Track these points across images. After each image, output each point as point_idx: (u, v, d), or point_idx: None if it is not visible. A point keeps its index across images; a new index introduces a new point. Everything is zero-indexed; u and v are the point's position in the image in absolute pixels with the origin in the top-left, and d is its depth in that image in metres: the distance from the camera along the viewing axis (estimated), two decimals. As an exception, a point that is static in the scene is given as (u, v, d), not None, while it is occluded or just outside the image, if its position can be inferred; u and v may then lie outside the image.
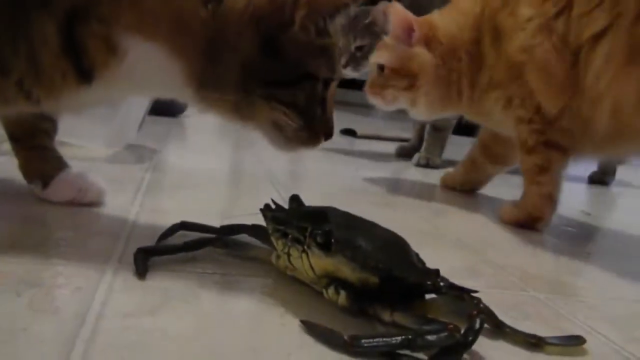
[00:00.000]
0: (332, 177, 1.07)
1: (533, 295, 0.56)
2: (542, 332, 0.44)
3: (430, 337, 0.37)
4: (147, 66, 0.49)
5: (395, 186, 1.01)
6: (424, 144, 1.33)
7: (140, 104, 0.96)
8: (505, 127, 0.90)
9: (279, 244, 0.46)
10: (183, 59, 0.48)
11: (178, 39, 0.47)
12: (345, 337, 0.38)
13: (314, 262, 0.43)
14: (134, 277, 0.46)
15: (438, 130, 1.32)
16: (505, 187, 1.09)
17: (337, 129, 1.75)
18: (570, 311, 0.52)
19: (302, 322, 0.41)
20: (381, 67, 0.95)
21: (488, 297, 0.43)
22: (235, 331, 0.40)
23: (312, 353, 0.38)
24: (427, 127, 1.33)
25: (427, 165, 1.30)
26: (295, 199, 0.53)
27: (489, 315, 0.43)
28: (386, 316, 0.42)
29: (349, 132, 1.67)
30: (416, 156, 1.32)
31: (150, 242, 0.52)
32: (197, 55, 0.48)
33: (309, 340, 0.39)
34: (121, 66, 0.48)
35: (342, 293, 0.43)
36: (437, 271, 0.44)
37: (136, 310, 0.40)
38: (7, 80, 0.47)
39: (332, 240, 0.42)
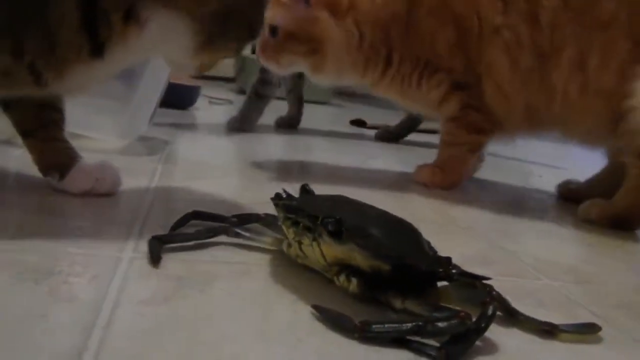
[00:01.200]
0: (341, 167, 1.07)
1: (547, 282, 0.56)
2: (556, 319, 0.44)
3: (440, 324, 0.37)
4: (163, 34, 0.50)
5: (405, 175, 1.00)
6: (241, 108, 1.29)
7: (151, 96, 0.96)
8: (423, 105, 0.94)
9: (290, 232, 0.46)
10: (197, 25, 0.50)
11: (197, 7, 0.49)
12: (356, 322, 0.38)
13: (325, 250, 0.44)
14: (149, 266, 0.46)
15: (260, 97, 1.28)
16: (505, 173, 1.08)
17: (346, 120, 1.76)
18: (584, 298, 0.52)
19: (313, 306, 0.41)
20: (274, 29, 0.86)
21: (501, 285, 0.43)
22: (246, 318, 0.40)
23: (322, 339, 0.38)
24: (249, 92, 1.29)
25: (240, 129, 1.26)
26: (305, 188, 0.53)
27: (501, 302, 0.43)
28: (398, 304, 0.42)
29: (358, 123, 1.67)
30: (231, 120, 1.29)
31: (163, 231, 0.52)
32: (209, 20, 0.50)
33: (319, 327, 0.40)
34: (139, 36, 0.49)
35: (354, 280, 0.43)
36: (448, 259, 0.44)
37: (151, 297, 0.41)
38: (20, 62, 0.48)
39: (343, 228, 0.42)
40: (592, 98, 0.80)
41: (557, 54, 0.81)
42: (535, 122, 0.89)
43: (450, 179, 0.93)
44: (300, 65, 0.90)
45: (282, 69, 0.91)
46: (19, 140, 0.65)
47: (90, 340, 0.34)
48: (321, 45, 0.86)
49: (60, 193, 0.63)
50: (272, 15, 0.85)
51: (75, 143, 0.67)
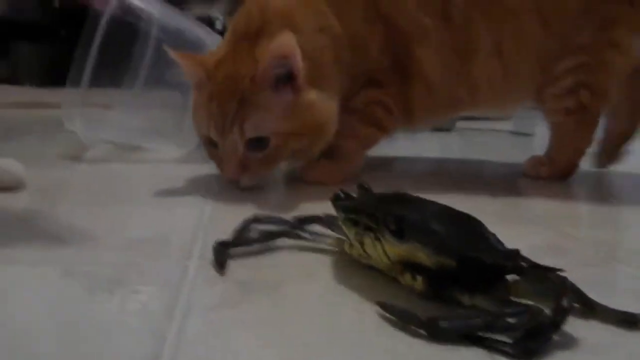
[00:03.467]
0: (392, 162, 1.06)
1: (623, 269, 0.53)
2: (636, 308, 0.41)
3: (511, 320, 0.36)
4: None
5: (460, 166, 0.98)
6: None
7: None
8: None
9: (351, 233, 0.46)
10: None
11: None
12: (423, 319, 0.37)
13: (387, 249, 0.43)
14: (215, 272, 0.47)
15: None
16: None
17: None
18: (665, 286, 0.49)
19: (378, 303, 0.41)
20: (259, 141, 0.72)
21: (574, 275, 0.41)
22: (313, 319, 0.40)
23: (391, 339, 0.37)
24: None
25: None
26: (363, 187, 0.52)
27: (576, 293, 0.41)
28: (466, 300, 0.41)
29: None
30: None
31: (226, 237, 0.53)
32: None
33: (387, 326, 0.39)
34: None
35: (419, 278, 0.42)
36: (517, 251, 0.42)
37: (219, 303, 0.42)
38: None
39: (405, 226, 0.41)
40: (514, 80, 0.87)
41: (475, 48, 0.84)
42: (455, 112, 0.97)
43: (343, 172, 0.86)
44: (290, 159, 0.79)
45: (266, 176, 0.78)
46: (84, 154, 0.68)
47: (165, 346, 0.35)
48: (325, 125, 0.75)
49: (124, 205, 0.66)
50: (253, 126, 0.70)
51: (136, 155, 0.69)
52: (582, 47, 0.85)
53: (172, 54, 0.75)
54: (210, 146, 0.75)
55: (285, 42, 0.67)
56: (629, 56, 0.86)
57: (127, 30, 0.99)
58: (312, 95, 0.72)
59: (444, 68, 0.84)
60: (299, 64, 0.69)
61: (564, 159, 0.92)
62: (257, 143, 0.71)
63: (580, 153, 0.92)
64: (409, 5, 0.82)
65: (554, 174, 0.91)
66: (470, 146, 1.34)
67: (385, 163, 1.04)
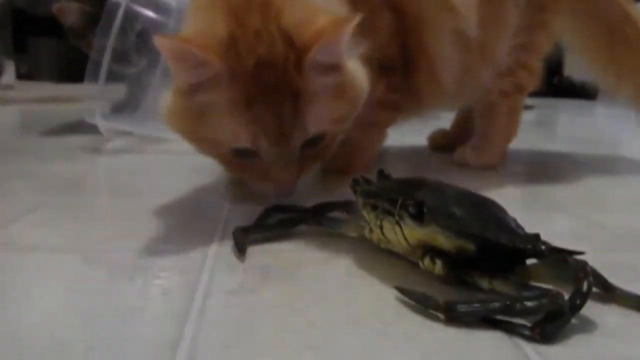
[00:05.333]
0: (409, 151, 1.06)
1: (645, 256, 0.52)
2: (658, 293, 0.41)
3: (530, 303, 0.36)
4: None
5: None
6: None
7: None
8: None
9: (370, 218, 0.46)
10: None
11: None
12: (441, 302, 0.37)
13: (407, 233, 0.43)
14: (234, 258, 0.48)
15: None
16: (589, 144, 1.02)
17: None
18: (689, 271, 0.49)
19: (397, 288, 0.41)
20: (315, 140, 0.60)
21: (595, 260, 0.41)
22: (333, 304, 0.40)
23: (410, 322, 0.38)
24: None
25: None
26: (382, 173, 0.53)
27: (597, 277, 0.41)
28: (485, 284, 0.41)
29: None
30: None
31: (245, 224, 0.54)
32: None
33: (406, 310, 0.39)
34: None
35: (438, 262, 0.42)
36: (537, 235, 0.42)
37: (239, 288, 0.42)
38: None
39: (425, 210, 0.41)
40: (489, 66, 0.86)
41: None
42: (463, 100, 0.93)
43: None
44: None
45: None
46: (104, 146, 0.69)
47: (186, 330, 0.36)
48: (364, 93, 0.64)
49: (147, 195, 0.66)
50: (315, 122, 0.57)
51: (156, 147, 0.70)
52: (521, 28, 0.86)
53: (159, 40, 0.51)
54: (241, 159, 0.58)
55: (337, 28, 0.55)
56: (553, 37, 0.89)
57: (145, 22, 1.01)
58: (350, 65, 0.60)
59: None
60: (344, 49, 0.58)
61: (498, 146, 0.91)
62: (313, 139, 0.59)
63: (510, 139, 0.92)
64: None
65: (489, 162, 0.90)
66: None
67: (402, 152, 1.04)
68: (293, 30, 0.55)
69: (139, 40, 1.06)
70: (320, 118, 0.57)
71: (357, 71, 0.61)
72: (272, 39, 0.54)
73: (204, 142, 0.59)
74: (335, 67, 0.58)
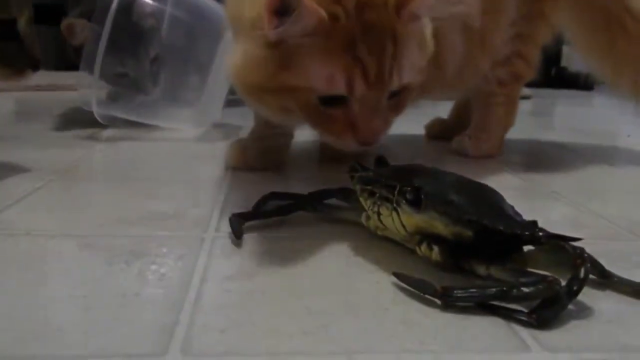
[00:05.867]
0: (407, 139, 1.05)
1: (642, 244, 0.52)
2: (654, 280, 0.41)
3: (526, 289, 0.36)
4: None
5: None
6: None
7: (222, 85, 0.99)
8: None
9: (367, 204, 0.46)
10: None
11: None
12: (438, 288, 0.37)
13: (404, 220, 0.43)
14: (231, 244, 0.48)
15: None
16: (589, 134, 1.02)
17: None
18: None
19: (394, 273, 0.41)
20: (399, 90, 0.58)
21: (592, 248, 0.41)
22: (330, 290, 0.40)
23: (407, 308, 0.38)
24: None
25: None
26: (381, 160, 0.52)
27: (593, 264, 0.41)
28: (482, 270, 0.41)
29: None
30: None
31: (243, 210, 0.54)
32: None
33: (403, 297, 0.39)
34: None
35: (436, 249, 0.42)
36: (534, 222, 0.42)
37: (236, 273, 0.42)
38: None
39: (422, 196, 0.41)
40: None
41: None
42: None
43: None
44: None
45: None
46: (101, 134, 0.69)
47: (182, 315, 0.36)
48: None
49: (142, 181, 0.66)
50: (409, 69, 0.56)
51: (153, 134, 0.70)
52: (519, 18, 0.86)
53: None
54: (325, 108, 0.55)
55: None
56: (551, 28, 0.89)
57: (140, 9, 1.00)
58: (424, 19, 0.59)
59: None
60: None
61: (496, 135, 0.91)
62: (398, 91, 0.57)
63: (508, 128, 0.92)
64: None
65: (487, 151, 0.90)
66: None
67: (400, 140, 1.03)
68: None
69: (152, 66, 1.04)
70: (411, 66, 0.56)
71: (427, 27, 0.60)
72: None
73: (285, 93, 0.55)
74: (419, 18, 0.57)
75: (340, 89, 0.53)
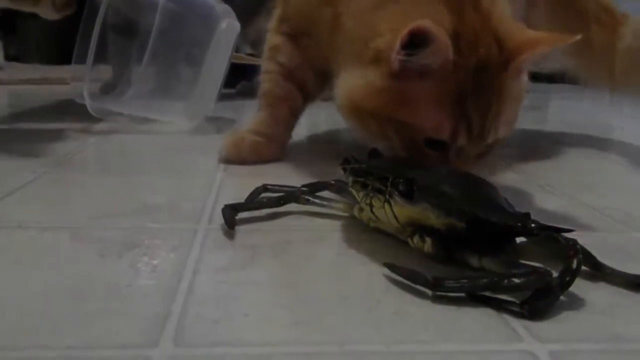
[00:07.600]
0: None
1: (635, 235, 0.52)
2: (647, 272, 0.41)
3: (517, 280, 0.36)
4: None
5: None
6: None
7: (216, 78, 0.98)
8: None
9: (360, 196, 0.46)
10: None
11: None
12: (430, 278, 0.37)
13: (397, 211, 0.43)
14: (224, 236, 0.47)
15: None
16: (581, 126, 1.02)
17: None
18: (677, 251, 0.49)
19: (385, 264, 0.41)
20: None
21: (585, 240, 0.41)
22: (323, 282, 0.40)
23: (399, 300, 0.38)
24: None
25: None
26: (374, 153, 0.52)
27: (586, 256, 0.41)
28: (474, 261, 0.41)
29: None
30: None
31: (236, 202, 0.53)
32: None
33: (395, 288, 0.39)
34: None
35: (428, 240, 0.42)
36: (527, 214, 0.42)
37: (228, 265, 0.42)
38: None
39: (415, 188, 0.41)
40: None
41: None
42: None
43: None
44: None
45: None
46: (94, 127, 0.68)
47: (174, 306, 0.35)
48: None
49: (136, 174, 0.66)
50: (506, 126, 0.60)
51: (146, 127, 0.69)
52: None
53: (426, 25, 0.51)
54: (426, 147, 0.57)
55: (555, 41, 0.57)
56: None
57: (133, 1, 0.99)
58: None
59: None
60: None
61: None
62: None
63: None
64: None
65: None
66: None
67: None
68: (504, 35, 0.56)
69: None
70: (507, 122, 0.59)
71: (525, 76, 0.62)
72: (489, 41, 0.56)
73: (394, 125, 0.57)
74: (523, 71, 0.60)
75: (444, 136, 0.56)
